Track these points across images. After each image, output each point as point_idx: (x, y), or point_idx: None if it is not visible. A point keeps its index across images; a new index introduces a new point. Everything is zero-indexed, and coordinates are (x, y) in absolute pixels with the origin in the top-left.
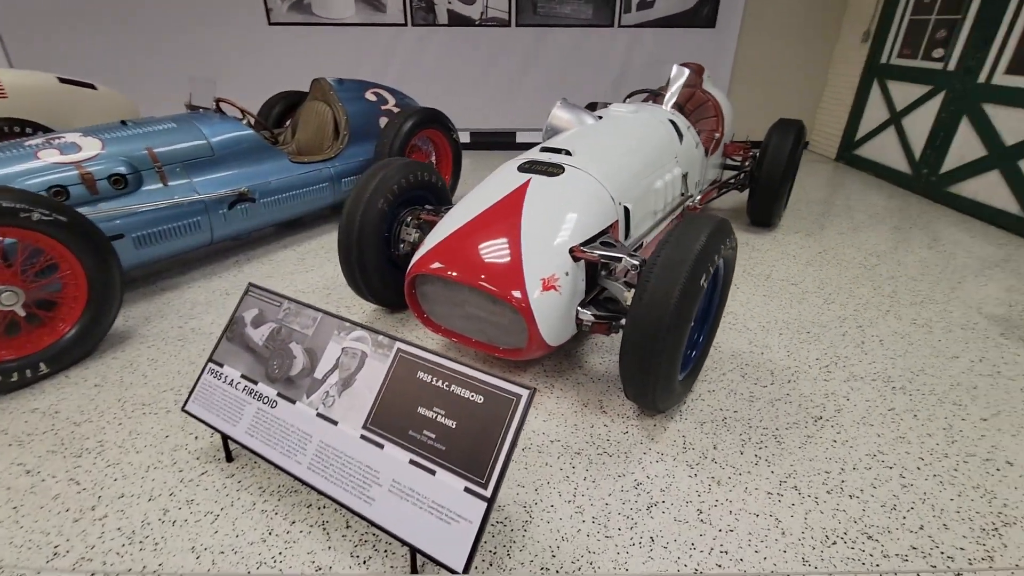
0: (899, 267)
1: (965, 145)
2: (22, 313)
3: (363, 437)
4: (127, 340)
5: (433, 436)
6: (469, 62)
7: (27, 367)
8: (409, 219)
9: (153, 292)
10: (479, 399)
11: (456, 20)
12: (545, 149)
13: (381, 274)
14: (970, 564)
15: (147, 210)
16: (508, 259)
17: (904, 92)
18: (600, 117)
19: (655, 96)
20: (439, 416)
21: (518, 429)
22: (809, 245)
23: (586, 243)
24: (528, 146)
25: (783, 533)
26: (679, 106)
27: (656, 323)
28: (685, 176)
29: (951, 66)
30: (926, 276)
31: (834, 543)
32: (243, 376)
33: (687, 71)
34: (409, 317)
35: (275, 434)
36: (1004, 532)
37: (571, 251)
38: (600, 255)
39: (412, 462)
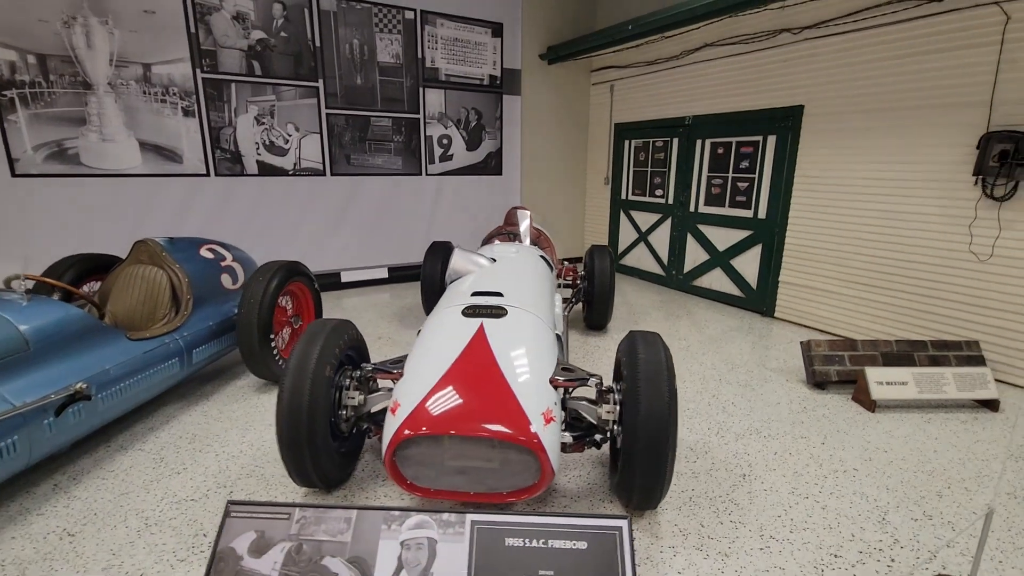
0: (700, 345)
1: (694, 252)
2: None
3: None
4: None
5: None
6: (284, 208)
7: None
8: (347, 382)
9: None
10: (583, 545)
11: (267, 171)
12: (477, 293)
13: (329, 452)
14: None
15: None
16: (505, 402)
17: (644, 218)
18: (493, 259)
19: (508, 236)
20: None
21: (633, 561)
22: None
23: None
24: (352, 285)
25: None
26: (533, 241)
27: (661, 428)
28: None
29: (670, 200)
30: (706, 347)
31: (827, 565)
32: None
33: (528, 211)
34: (353, 490)
35: None
36: (889, 519)
37: (550, 382)
38: (567, 380)
39: None
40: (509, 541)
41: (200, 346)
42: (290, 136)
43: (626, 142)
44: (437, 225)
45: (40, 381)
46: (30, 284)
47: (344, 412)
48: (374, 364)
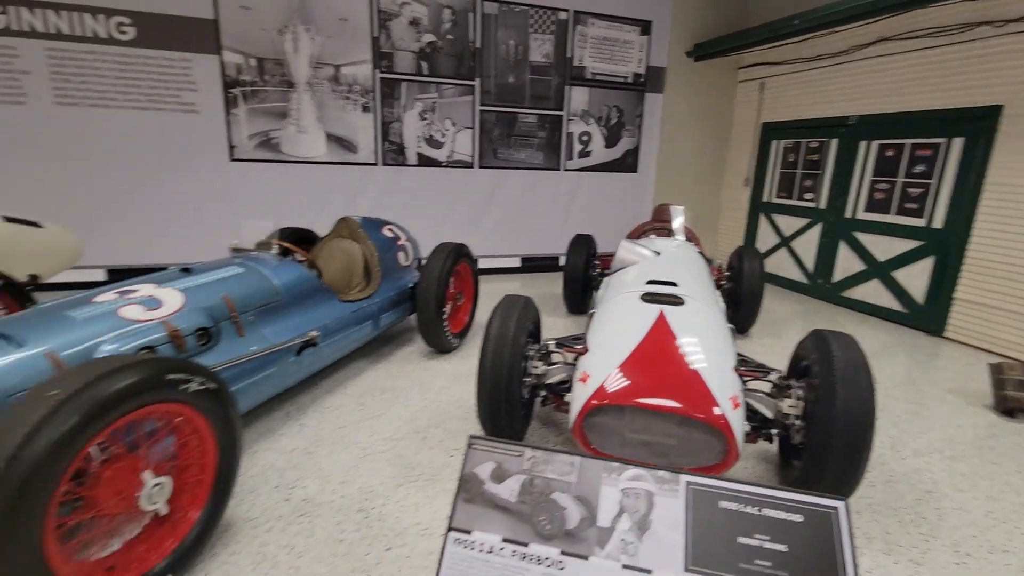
0: None
1: (847, 261)
2: (166, 511)
3: None
4: (231, 528)
5: (769, 564)
6: (436, 198)
7: None
8: (532, 353)
9: None
10: (798, 518)
11: (424, 161)
12: (652, 282)
13: (517, 411)
14: None
15: (232, 365)
16: (693, 383)
17: (788, 222)
18: (657, 252)
19: (663, 232)
20: (765, 542)
21: (852, 542)
22: (784, 345)
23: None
24: (487, 271)
25: None
26: (687, 239)
27: (860, 428)
28: None
29: (821, 204)
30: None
31: None
32: (506, 540)
33: (682, 208)
34: None
35: None
36: None
37: (734, 370)
38: (749, 371)
39: None
40: (723, 504)
41: (385, 313)
42: (447, 131)
43: (774, 142)
44: (572, 219)
45: (287, 327)
46: (277, 248)
47: (528, 379)
48: (556, 339)
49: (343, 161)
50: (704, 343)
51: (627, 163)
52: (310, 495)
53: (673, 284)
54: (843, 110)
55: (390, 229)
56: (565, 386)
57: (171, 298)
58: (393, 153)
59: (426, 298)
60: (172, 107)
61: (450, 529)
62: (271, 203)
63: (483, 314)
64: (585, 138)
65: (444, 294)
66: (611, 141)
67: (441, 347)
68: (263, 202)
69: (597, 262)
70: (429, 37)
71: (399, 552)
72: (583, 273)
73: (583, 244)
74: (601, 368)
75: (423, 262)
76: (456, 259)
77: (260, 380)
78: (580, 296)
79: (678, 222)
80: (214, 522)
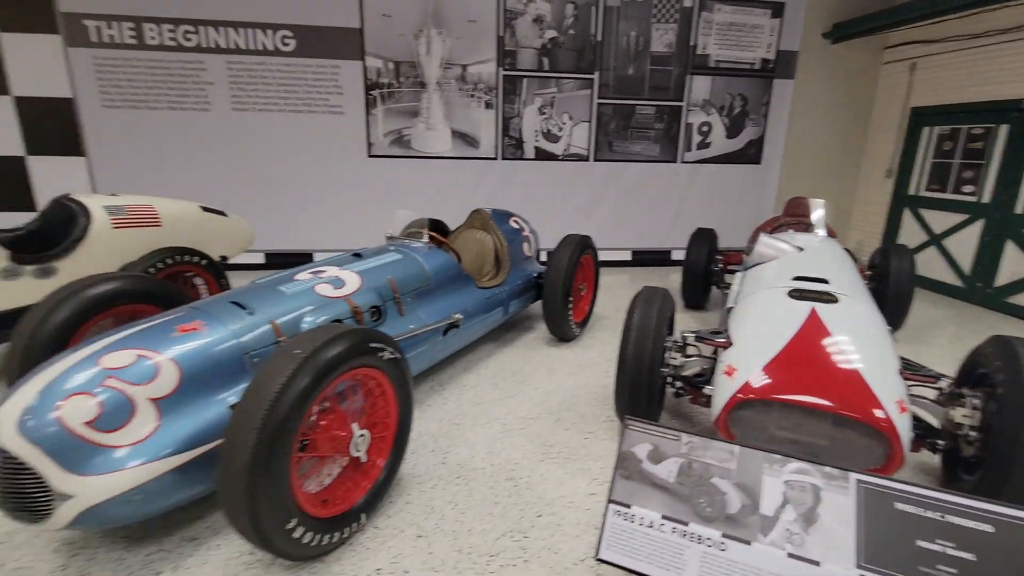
0: None
1: (1015, 263)
2: (365, 458)
3: None
4: (402, 482)
5: (954, 571)
6: (551, 191)
7: (352, 521)
8: (669, 344)
9: None
10: (988, 528)
11: (541, 155)
12: (800, 278)
13: (654, 400)
14: None
15: (398, 340)
16: (853, 383)
17: (940, 218)
18: (800, 248)
19: (794, 226)
20: (949, 549)
21: None
22: (933, 352)
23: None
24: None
25: None
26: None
27: None
28: None
29: (984, 199)
30: None
31: None
32: (665, 517)
33: (822, 201)
34: None
35: None
36: None
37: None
38: (917, 375)
39: None
40: (899, 506)
41: (513, 301)
42: (564, 124)
43: (925, 129)
44: (686, 213)
45: (436, 309)
46: (427, 237)
47: (664, 370)
48: (695, 332)
49: (465, 156)
50: (863, 343)
51: (749, 154)
52: (463, 461)
53: (823, 281)
54: (1017, 92)
55: (515, 221)
56: (702, 379)
57: (351, 279)
58: (512, 147)
59: (554, 288)
60: (322, 109)
61: (610, 501)
62: (400, 195)
63: (598, 305)
64: (705, 129)
65: (571, 284)
66: (733, 131)
67: (564, 335)
68: (393, 194)
69: (719, 257)
70: (551, 33)
71: (550, 519)
72: (704, 268)
73: (705, 238)
74: (748, 362)
75: (540, 254)
76: (582, 250)
77: (414, 356)
78: (700, 291)
79: (818, 216)
80: (394, 472)
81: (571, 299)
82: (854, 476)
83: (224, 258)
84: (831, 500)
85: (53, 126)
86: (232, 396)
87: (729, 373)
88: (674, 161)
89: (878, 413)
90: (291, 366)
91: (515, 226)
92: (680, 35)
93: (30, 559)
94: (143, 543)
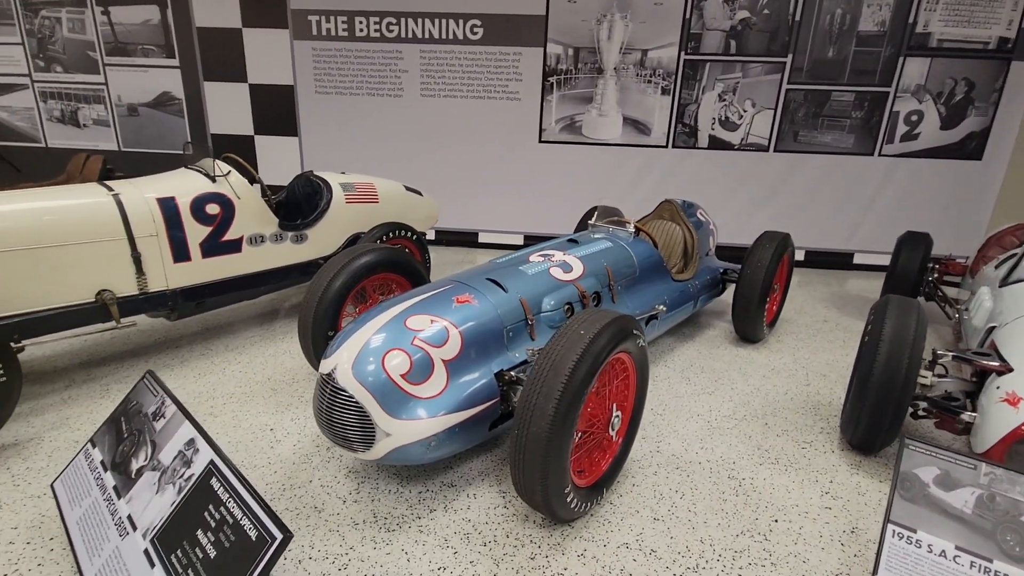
0: None
1: None
2: (616, 438)
3: None
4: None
5: None
6: (721, 181)
7: (599, 493)
8: (927, 360)
9: None
10: None
11: (716, 144)
12: None
13: (901, 420)
14: None
15: None
16: None
17: None
18: None
19: None
20: None
21: None
22: None
23: None
24: None
25: None
26: None
27: None
28: None
29: None
30: None
31: None
32: (960, 549)
33: None
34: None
35: None
36: None
37: None
38: None
39: None
40: None
41: (702, 295)
42: (745, 112)
43: None
44: (876, 212)
45: (642, 298)
46: (632, 227)
47: (918, 390)
48: (953, 351)
49: (634, 143)
50: None
51: (967, 148)
52: (677, 452)
53: None
54: None
55: (701, 213)
56: (956, 403)
57: (576, 264)
58: (684, 135)
59: (752, 287)
60: (500, 96)
61: (888, 521)
62: (566, 180)
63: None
64: (914, 118)
65: (769, 285)
66: (950, 121)
67: (752, 336)
68: (560, 180)
69: (935, 266)
70: (743, 14)
71: (788, 526)
72: (916, 277)
73: (919, 244)
74: None
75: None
76: (784, 249)
77: None
78: None
79: None
80: (628, 450)
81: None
82: None
83: (422, 233)
84: None
85: (276, 109)
86: (495, 364)
87: (1013, 402)
88: (870, 154)
89: None
90: (579, 346)
91: (702, 218)
92: (897, 11)
93: (329, 480)
94: (412, 482)
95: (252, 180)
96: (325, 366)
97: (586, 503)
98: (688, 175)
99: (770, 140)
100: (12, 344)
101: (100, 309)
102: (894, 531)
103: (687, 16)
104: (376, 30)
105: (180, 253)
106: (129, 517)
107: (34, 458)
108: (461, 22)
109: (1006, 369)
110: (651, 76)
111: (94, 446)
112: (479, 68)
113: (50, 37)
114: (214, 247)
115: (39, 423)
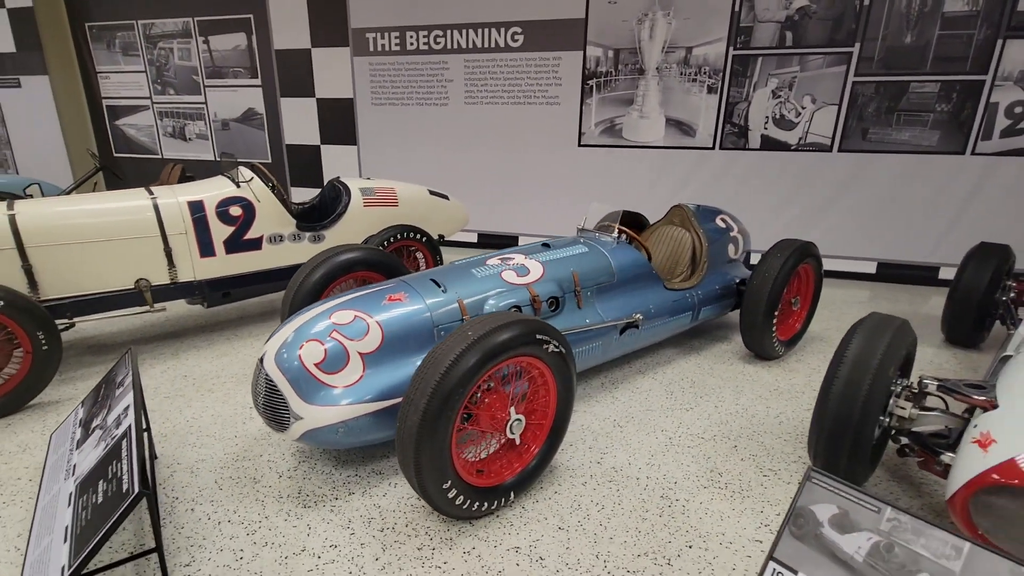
0: None
1: None
2: (518, 441)
3: None
4: (555, 471)
5: None
6: (776, 185)
7: (502, 496)
8: (899, 389)
9: None
10: None
11: (769, 144)
12: None
13: (865, 455)
14: None
15: (569, 333)
16: None
17: None
18: None
19: None
20: None
21: None
22: None
23: None
24: (833, 275)
25: None
26: None
27: None
28: None
29: None
30: None
31: None
32: None
33: None
34: None
35: None
36: None
37: None
38: None
39: None
40: None
41: (707, 306)
42: (803, 109)
43: None
44: (968, 220)
45: (616, 306)
46: (616, 232)
47: (886, 419)
48: (941, 380)
49: (678, 145)
50: None
51: None
52: (618, 465)
53: None
54: None
55: (723, 219)
56: (944, 441)
57: (535, 268)
58: (733, 136)
59: (756, 299)
60: (540, 100)
61: (771, 558)
62: (606, 185)
63: (818, 324)
64: (1018, 111)
65: (778, 297)
66: None
67: (763, 353)
68: (600, 184)
69: (1012, 283)
70: (801, 2)
71: (700, 554)
72: (984, 294)
73: (993, 256)
74: (1018, 436)
75: (749, 257)
76: (800, 259)
77: (587, 350)
78: (972, 324)
79: None
80: (547, 460)
81: (776, 313)
82: None
83: (442, 236)
84: None
85: (338, 121)
86: (419, 361)
87: (983, 444)
88: (961, 152)
89: None
90: (461, 345)
91: (722, 224)
92: None
93: (276, 457)
94: (346, 466)
95: (272, 186)
96: (262, 351)
97: (481, 503)
98: (737, 178)
99: (833, 139)
100: (57, 322)
101: (137, 295)
102: (775, 570)
103: (736, 9)
104: (424, 43)
105: (206, 249)
106: (75, 466)
107: (66, 414)
108: (503, 30)
109: (990, 405)
110: (696, 74)
111: (83, 406)
112: (519, 74)
113: (165, 65)
114: (236, 244)
115: (82, 387)
